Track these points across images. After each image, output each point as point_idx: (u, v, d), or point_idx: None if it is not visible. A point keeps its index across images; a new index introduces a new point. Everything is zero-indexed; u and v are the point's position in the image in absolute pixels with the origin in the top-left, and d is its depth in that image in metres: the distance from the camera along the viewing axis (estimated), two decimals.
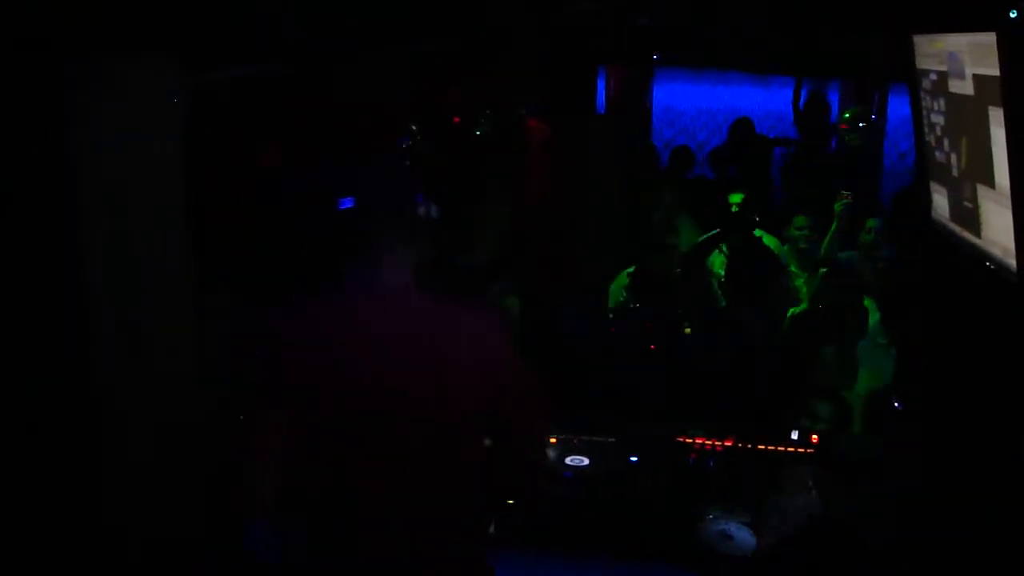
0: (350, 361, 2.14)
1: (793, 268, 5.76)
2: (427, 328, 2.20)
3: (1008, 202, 2.16)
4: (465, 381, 2.18)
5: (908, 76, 2.89)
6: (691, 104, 13.90)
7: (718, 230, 5.86)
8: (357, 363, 2.14)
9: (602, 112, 7.39)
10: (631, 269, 5.37)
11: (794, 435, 3.38)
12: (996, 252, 2.35)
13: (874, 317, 4.68)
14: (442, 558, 2.25)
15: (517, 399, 2.25)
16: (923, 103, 2.86)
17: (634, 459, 3.25)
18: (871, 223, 5.74)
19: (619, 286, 5.48)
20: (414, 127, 6.18)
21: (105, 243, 1.53)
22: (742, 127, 9.06)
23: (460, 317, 2.24)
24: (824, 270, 5.21)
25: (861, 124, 7.29)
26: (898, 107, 9.90)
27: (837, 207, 5.83)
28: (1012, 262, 2.22)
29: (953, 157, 2.63)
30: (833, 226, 5.79)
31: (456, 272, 5.88)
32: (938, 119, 2.73)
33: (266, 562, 2.92)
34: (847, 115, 7.47)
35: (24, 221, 1.48)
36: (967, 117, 2.43)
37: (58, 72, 1.42)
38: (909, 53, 2.85)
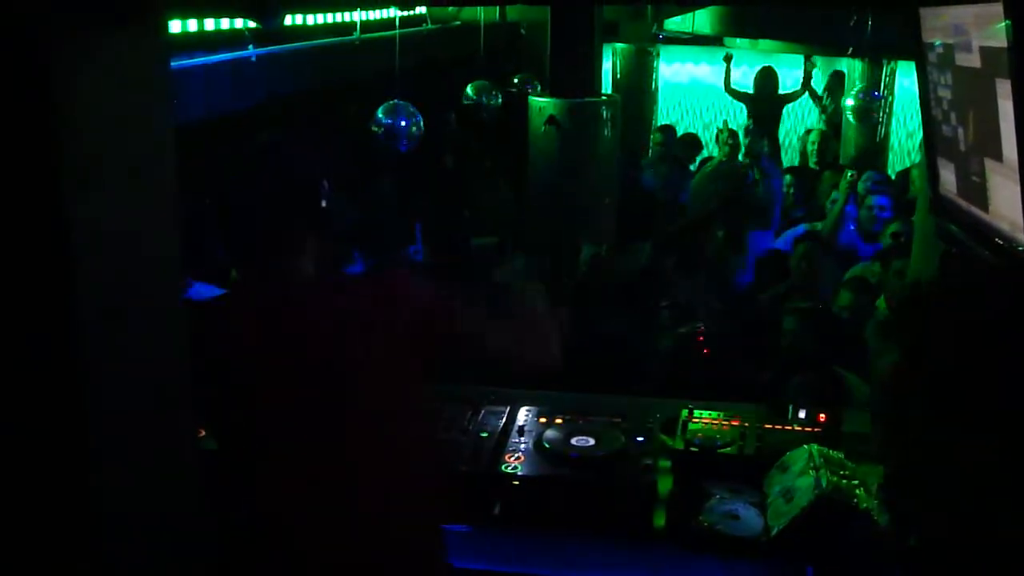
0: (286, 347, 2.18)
1: None
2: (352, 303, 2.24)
3: (1016, 175, 2.13)
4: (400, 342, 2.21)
5: (914, 50, 2.86)
6: (696, 82, 13.84)
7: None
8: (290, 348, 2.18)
9: (607, 91, 7.33)
10: None
11: (801, 414, 3.36)
12: (1004, 227, 2.32)
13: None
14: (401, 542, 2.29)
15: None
16: (930, 77, 2.83)
17: (640, 439, 3.23)
18: (869, 201, 5.80)
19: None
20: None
21: (91, 223, 1.50)
22: (768, 75, 9.67)
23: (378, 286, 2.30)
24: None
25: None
26: (907, 85, 9.86)
27: (842, 184, 5.85)
28: (1021, 236, 2.19)
29: (960, 131, 2.60)
30: (839, 202, 5.80)
31: (466, 253, 5.88)
32: (945, 93, 2.70)
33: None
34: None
35: (6, 201, 1.45)
36: (974, 90, 2.40)
37: (38, 44, 1.38)
38: (915, 26, 2.81)
